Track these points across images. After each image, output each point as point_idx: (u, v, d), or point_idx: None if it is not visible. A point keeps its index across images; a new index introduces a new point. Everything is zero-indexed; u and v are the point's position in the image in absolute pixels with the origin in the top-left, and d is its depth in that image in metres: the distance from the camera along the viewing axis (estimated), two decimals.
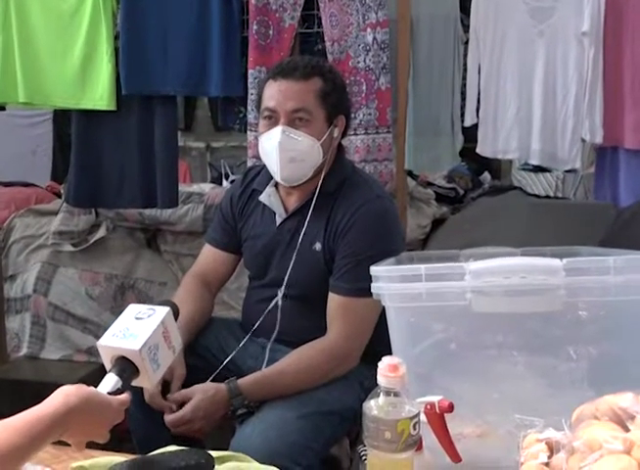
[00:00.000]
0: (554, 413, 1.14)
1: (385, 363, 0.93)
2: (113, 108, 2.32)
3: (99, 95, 2.32)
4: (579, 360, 1.14)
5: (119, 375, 1.07)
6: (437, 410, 1.01)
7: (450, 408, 1.01)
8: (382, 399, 0.93)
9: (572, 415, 0.91)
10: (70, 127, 2.48)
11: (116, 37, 2.31)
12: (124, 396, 1.07)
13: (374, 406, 0.93)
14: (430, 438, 1.06)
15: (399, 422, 0.91)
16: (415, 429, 0.92)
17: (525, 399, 1.16)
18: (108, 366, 1.10)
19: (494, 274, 1.09)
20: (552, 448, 0.84)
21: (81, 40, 2.30)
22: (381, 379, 0.93)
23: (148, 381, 1.11)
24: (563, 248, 1.24)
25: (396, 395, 0.93)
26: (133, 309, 1.15)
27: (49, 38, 2.34)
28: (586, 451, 0.78)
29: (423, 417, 1.00)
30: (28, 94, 2.37)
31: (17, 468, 0.90)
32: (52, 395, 0.98)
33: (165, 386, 1.49)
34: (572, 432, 0.84)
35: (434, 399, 1.02)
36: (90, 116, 2.38)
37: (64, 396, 0.97)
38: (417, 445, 0.95)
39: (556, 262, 1.08)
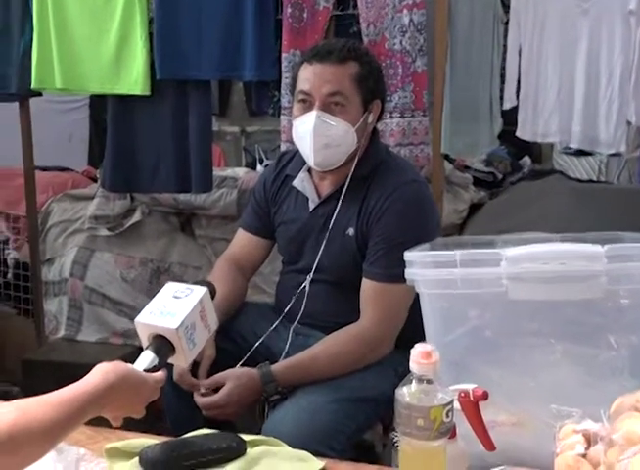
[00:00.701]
0: (592, 403, 1.11)
1: (417, 350, 0.91)
2: (147, 93, 2.33)
3: (134, 80, 2.33)
4: (620, 349, 1.11)
5: (156, 353, 1.08)
6: (472, 398, 0.99)
7: (485, 396, 0.98)
8: (414, 385, 0.91)
9: (612, 406, 0.88)
10: (106, 112, 2.50)
11: (151, 22, 2.31)
12: (160, 373, 1.08)
13: (406, 393, 0.91)
14: (463, 425, 1.04)
15: (432, 409, 0.89)
16: (448, 416, 0.90)
17: (562, 387, 1.13)
18: (144, 343, 1.11)
19: (532, 260, 1.05)
20: (589, 440, 0.81)
21: (116, 25, 2.31)
22: (413, 366, 0.91)
23: (184, 359, 1.12)
24: (604, 233, 1.20)
25: (429, 382, 0.91)
26: (171, 288, 1.15)
27: (84, 24, 2.35)
28: (625, 444, 0.75)
29: (457, 405, 0.98)
30: (65, 80, 2.39)
31: (54, 444, 0.91)
32: (90, 372, 0.99)
33: (194, 366, 1.49)
34: (611, 424, 0.81)
35: (469, 386, 1.00)
36: (125, 101, 2.39)
37: (102, 373, 0.98)
38: (450, 432, 0.93)
39: (597, 249, 1.04)
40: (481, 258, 1.09)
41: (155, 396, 1.07)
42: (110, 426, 1.09)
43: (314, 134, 1.52)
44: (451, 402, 0.91)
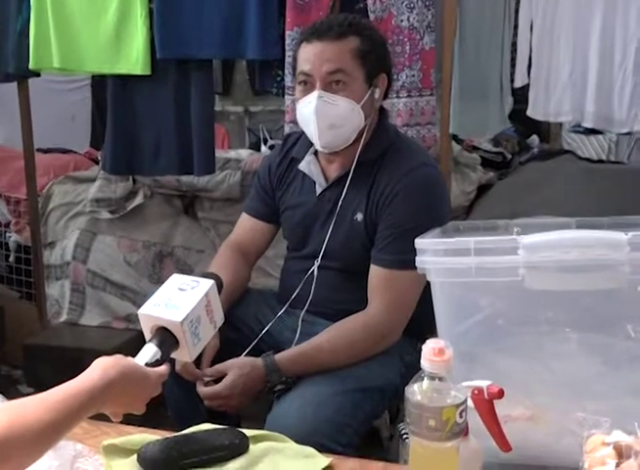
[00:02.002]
0: (608, 393, 1.07)
1: (429, 347, 0.85)
2: (147, 72, 2.27)
3: (134, 59, 2.26)
4: (638, 339, 1.06)
5: (159, 346, 1.04)
6: (486, 396, 0.94)
7: (500, 394, 0.93)
8: (426, 383, 0.86)
9: None
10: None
11: None
12: (163, 368, 1.04)
13: (417, 391, 0.86)
14: (474, 420, 0.99)
15: (444, 410, 0.84)
16: (461, 417, 0.85)
17: (577, 378, 1.09)
18: (147, 336, 1.07)
19: (550, 249, 1.00)
20: (621, 453, 0.75)
21: (115, 2, 2.24)
22: (425, 363, 0.86)
23: (187, 354, 1.08)
24: (622, 218, 1.15)
25: (441, 380, 0.86)
26: (176, 280, 1.11)
27: (82, 1, 2.28)
28: None
29: (469, 402, 0.93)
30: (63, 60, 2.32)
31: (52, 444, 0.88)
32: (90, 367, 0.95)
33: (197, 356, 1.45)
34: None
35: (482, 383, 0.95)
36: (125, 81, 2.33)
37: (102, 369, 0.93)
38: (463, 433, 0.88)
39: (620, 236, 0.99)
40: (497, 246, 1.04)
41: (157, 391, 1.03)
42: (108, 419, 1.05)
43: (317, 115, 1.47)
44: (465, 402, 0.86)
